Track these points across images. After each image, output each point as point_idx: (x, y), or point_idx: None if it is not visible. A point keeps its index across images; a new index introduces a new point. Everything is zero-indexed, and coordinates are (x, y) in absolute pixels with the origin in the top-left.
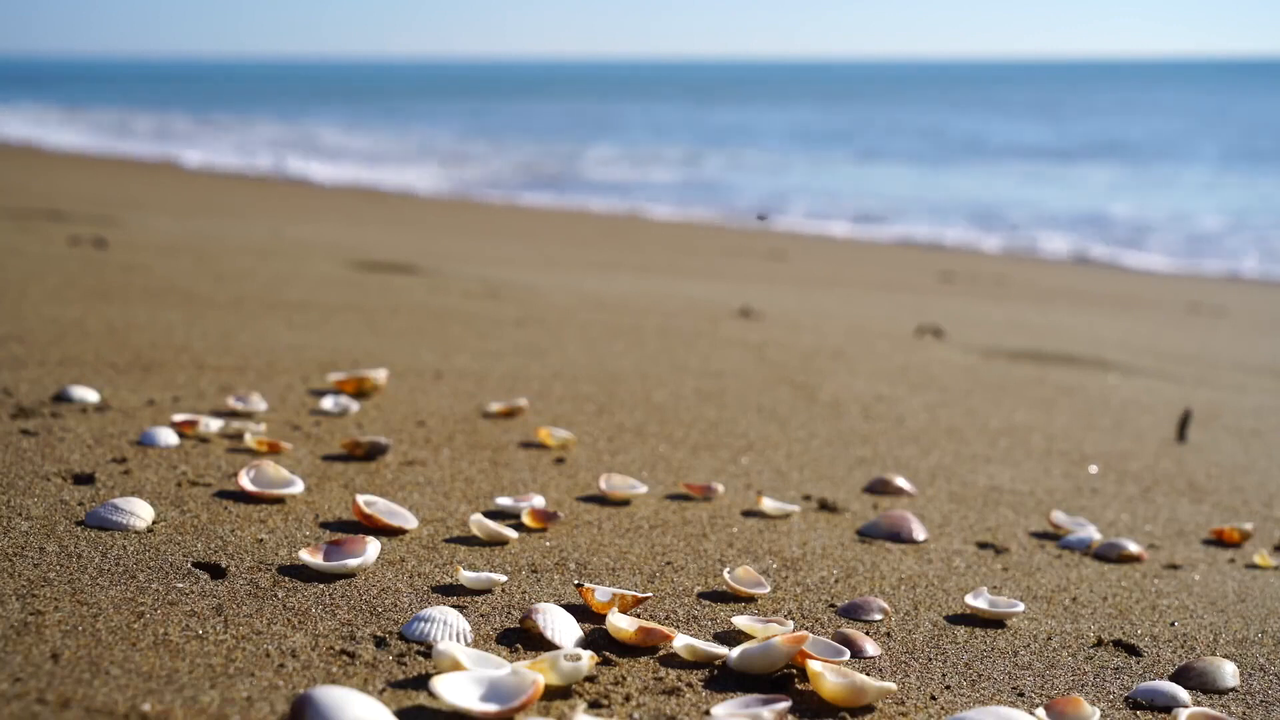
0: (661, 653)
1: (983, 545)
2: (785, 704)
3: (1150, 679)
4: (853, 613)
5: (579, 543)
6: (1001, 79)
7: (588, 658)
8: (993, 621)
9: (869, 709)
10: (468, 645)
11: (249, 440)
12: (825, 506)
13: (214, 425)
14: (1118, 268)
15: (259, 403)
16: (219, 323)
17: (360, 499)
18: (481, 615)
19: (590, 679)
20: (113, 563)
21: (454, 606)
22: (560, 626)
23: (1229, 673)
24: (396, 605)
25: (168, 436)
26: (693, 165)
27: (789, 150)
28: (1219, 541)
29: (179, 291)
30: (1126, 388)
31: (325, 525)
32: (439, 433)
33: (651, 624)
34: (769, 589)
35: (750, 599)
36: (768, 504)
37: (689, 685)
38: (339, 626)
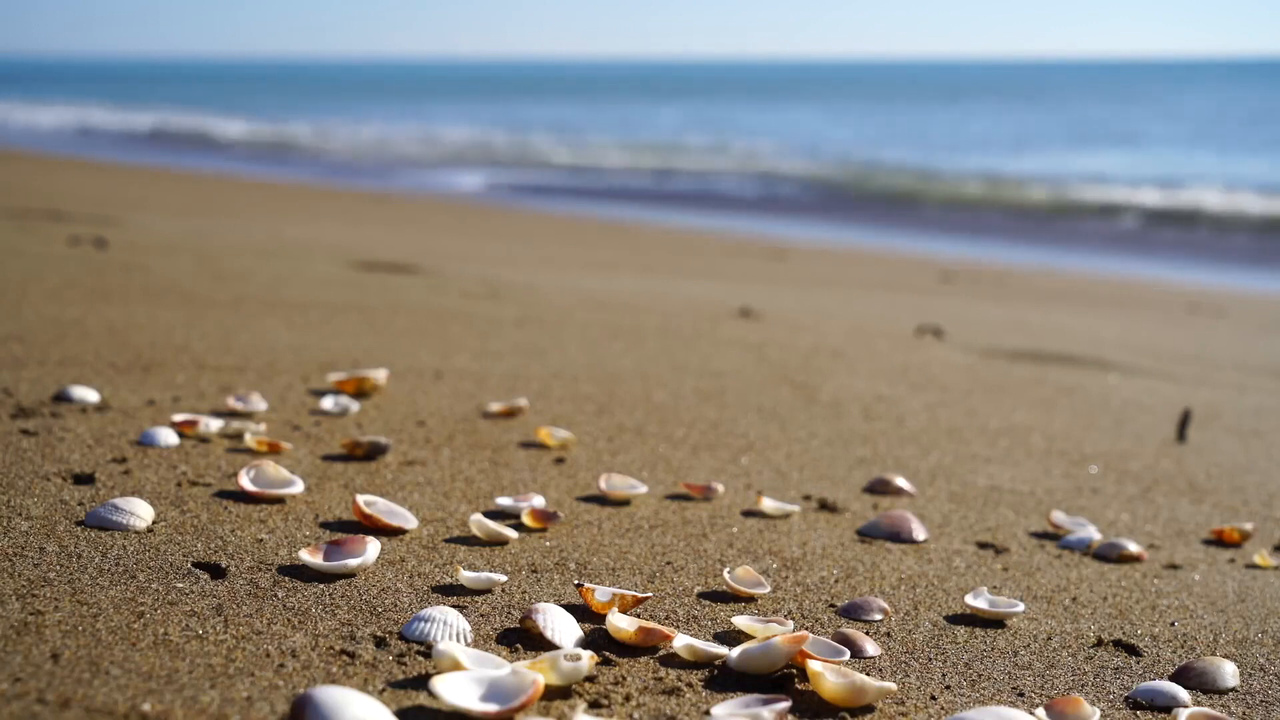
0: (661, 653)
1: (983, 545)
2: (785, 704)
3: (1150, 679)
4: (853, 613)
5: (579, 543)
6: (1008, 80)
7: (588, 658)
8: (993, 621)
9: (869, 709)
10: (468, 645)
11: (249, 440)
12: (825, 506)
13: (214, 425)
14: (1116, 265)
15: (259, 403)
16: (219, 323)
17: (360, 499)
18: (481, 615)
19: (590, 679)
20: (113, 563)
21: (454, 606)
22: (560, 626)
23: (1229, 673)
24: (396, 605)
25: (168, 436)
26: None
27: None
28: (1219, 541)
29: (179, 291)
30: (1126, 388)
31: (325, 525)
32: (439, 433)
33: (651, 624)
34: (769, 589)
35: (750, 599)
36: (768, 504)
37: (689, 685)
38: (339, 626)
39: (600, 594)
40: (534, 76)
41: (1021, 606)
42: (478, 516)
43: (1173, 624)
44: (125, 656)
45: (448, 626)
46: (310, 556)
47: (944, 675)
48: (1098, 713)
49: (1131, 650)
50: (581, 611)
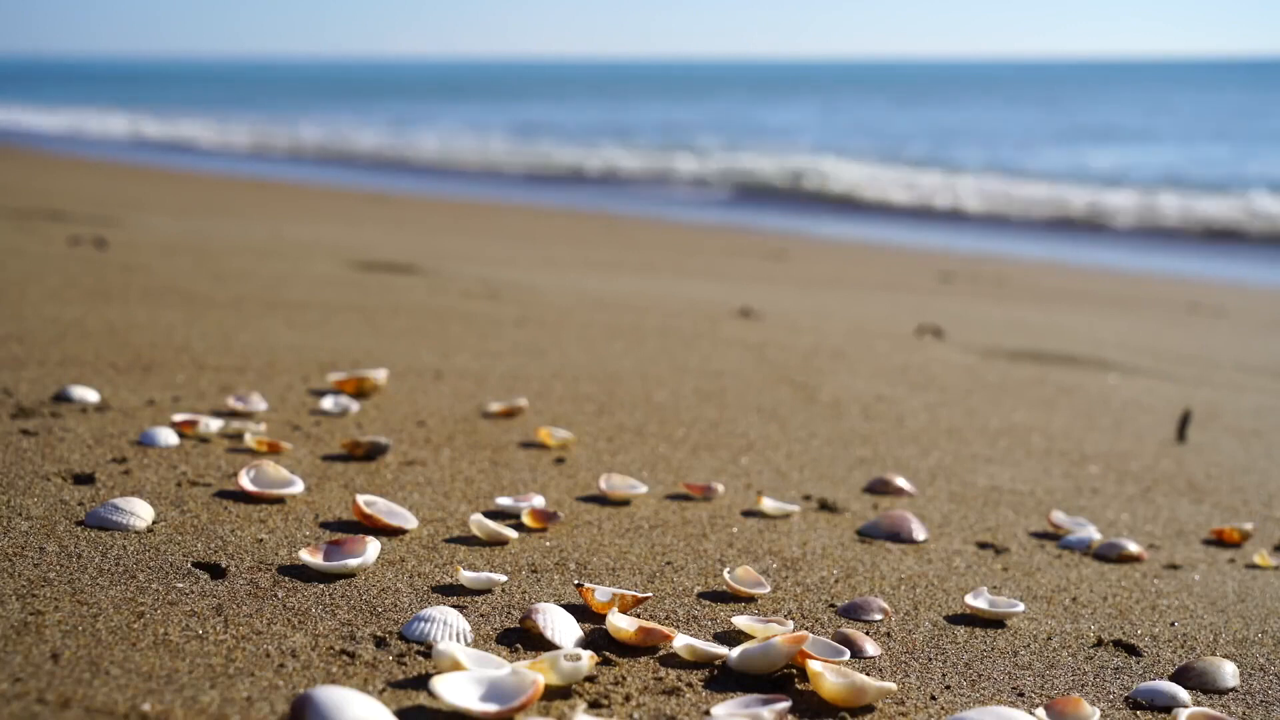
0: (661, 653)
1: (983, 545)
2: (785, 704)
3: (1150, 679)
4: (853, 613)
5: (579, 543)
6: (1007, 79)
7: (588, 658)
8: (993, 621)
9: (869, 709)
10: (468, 645)
11: (249, 440)
12: (825, 506)
13: (214, 425)
14: (1117, 266)
15: (259, 403)
16: (219, 323)
17: (360, 499)
18: (481, 615)
19: (590, 679)
20: (113, 563)
21: (454, 606)
22: (560, 626)
23: (1229, 673)
24: (396, 605)
25: (168, 436)
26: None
27: None
28: (1219, 541)
29: (179, 291)
30: (1126, 388)
31: (325, 525)
32: (439, 433)
33: (651, 624)
34: (769, 589)
35: (750, 599)
36: (768, 504)
37: (689, 685)
38: (339, 626)
39: (600, 594)
40: (535, 77)
41: (1021, 606)
42: (478, 516)
43: (1173, 624)
44: (125, 656)
45: (448, 626)
46: (310, 556)
47: (944, 675)
48: (1098, 713)
49: (1131, 650)
50: (581, 611)
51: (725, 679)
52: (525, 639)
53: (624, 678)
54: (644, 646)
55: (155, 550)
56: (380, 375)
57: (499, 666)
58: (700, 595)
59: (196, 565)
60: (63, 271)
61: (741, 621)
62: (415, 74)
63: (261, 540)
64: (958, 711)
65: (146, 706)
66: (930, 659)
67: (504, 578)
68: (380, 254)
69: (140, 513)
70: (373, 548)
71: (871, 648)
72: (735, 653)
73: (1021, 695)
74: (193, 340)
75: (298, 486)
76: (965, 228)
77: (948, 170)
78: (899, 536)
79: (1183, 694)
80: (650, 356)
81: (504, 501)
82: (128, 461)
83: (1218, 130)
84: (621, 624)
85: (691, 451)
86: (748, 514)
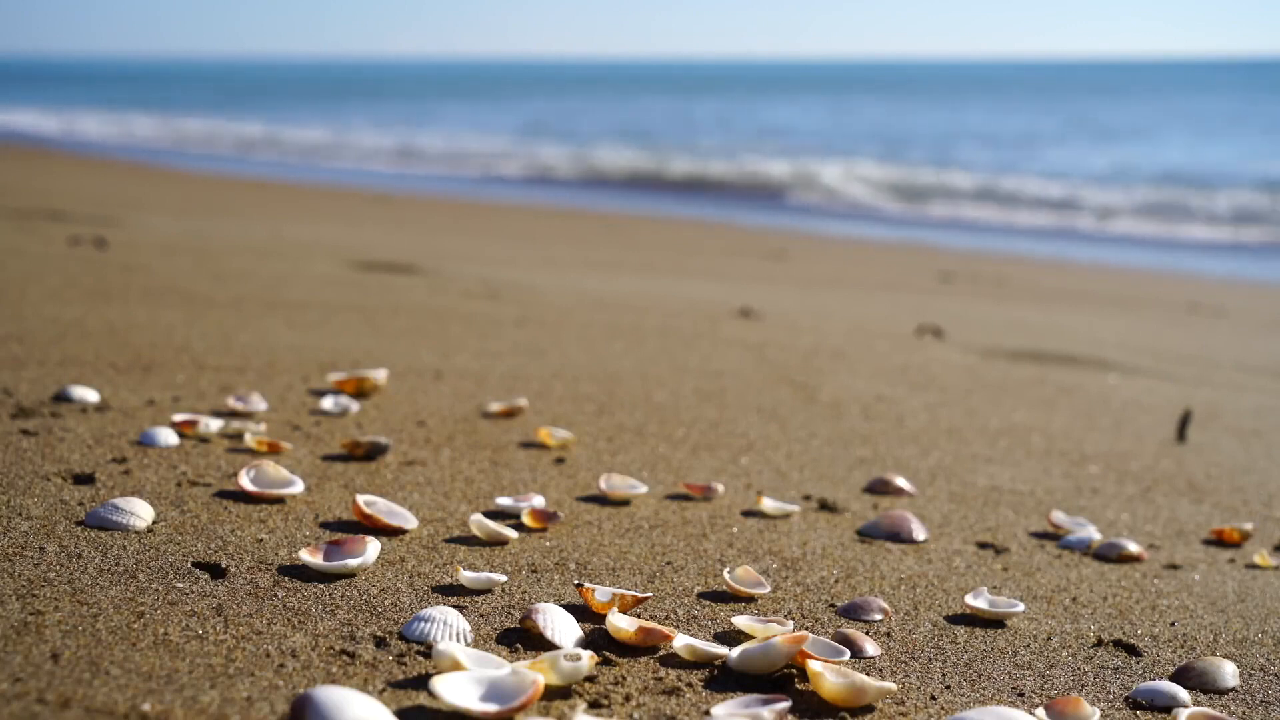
0: (661, 653)
1: (983, 545)
2: (785, 704)
3: (1150, 679)
4: (853, 613)
5: (579, 543)
6: (1009, 80)
7: (588, 658)
8: (993, 621)
9: (869, 709)
10: (468, 645)
11: (249, 440)
12: (825, 506)
13: (214, 425)
14: (1117, 266)
15: (259, 403)
16: (219, 323)
17: (360, 499)
18: (481, 615)
19: (590, 679)
20: (113, 563)
21: (454, 606)
22: (560, 626)
23: (1229, 673)
24: (396, 605)
25: (168, 436)
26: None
27: None
28: (1219, 541)
29: (179, 291)
30: (1126, 388)
31: (325, 525)
32: (439, 433)
33: (651, 624)
34: (769, 589)
35: (750, 599)
36: (768, 504)
37: (689, 685)
38: (339, 626)
39: (600, 594)
40: (538, 76)
41: (1021, 606)
42: (478, 516)
43: (1173, 624)
44: (125, 656)
45: (448, 626)
46: (310, 556)
47: (944, 675)
48: (1098, 713)
49: (1131, 650)
50: (581, 611)
51: (725, 679)
52: (525, 639)
53: (624, 678)
54: (644, 646)
55: (155, 550)
56: (380, 375)
57: (499, 666)
58: (700, 595)
59: (196, 565)
60: (63, 271)
61: (741, 621)
62: (415, 74)
63: (261, 540)
64: (958, 711)
65: (146, 706)
66: (930, 659)
67: (504, 578)
68: (380, 254)
69: (140, 513)
70: (373, 548)
71: (871, 648)
72: (735, 653)
73: (1021, 695)
74: (193, 340)
75: (298, 486)
76: (965, 228)
77: (948, 170)
78: (899, 536)
79: (1183, 694)
80: (650, 356)
81: (504, 501)
82: (128, 461)
83: (1218, 130)
84: (621, 624)
85: (691, 451)
86: (748, 514)
